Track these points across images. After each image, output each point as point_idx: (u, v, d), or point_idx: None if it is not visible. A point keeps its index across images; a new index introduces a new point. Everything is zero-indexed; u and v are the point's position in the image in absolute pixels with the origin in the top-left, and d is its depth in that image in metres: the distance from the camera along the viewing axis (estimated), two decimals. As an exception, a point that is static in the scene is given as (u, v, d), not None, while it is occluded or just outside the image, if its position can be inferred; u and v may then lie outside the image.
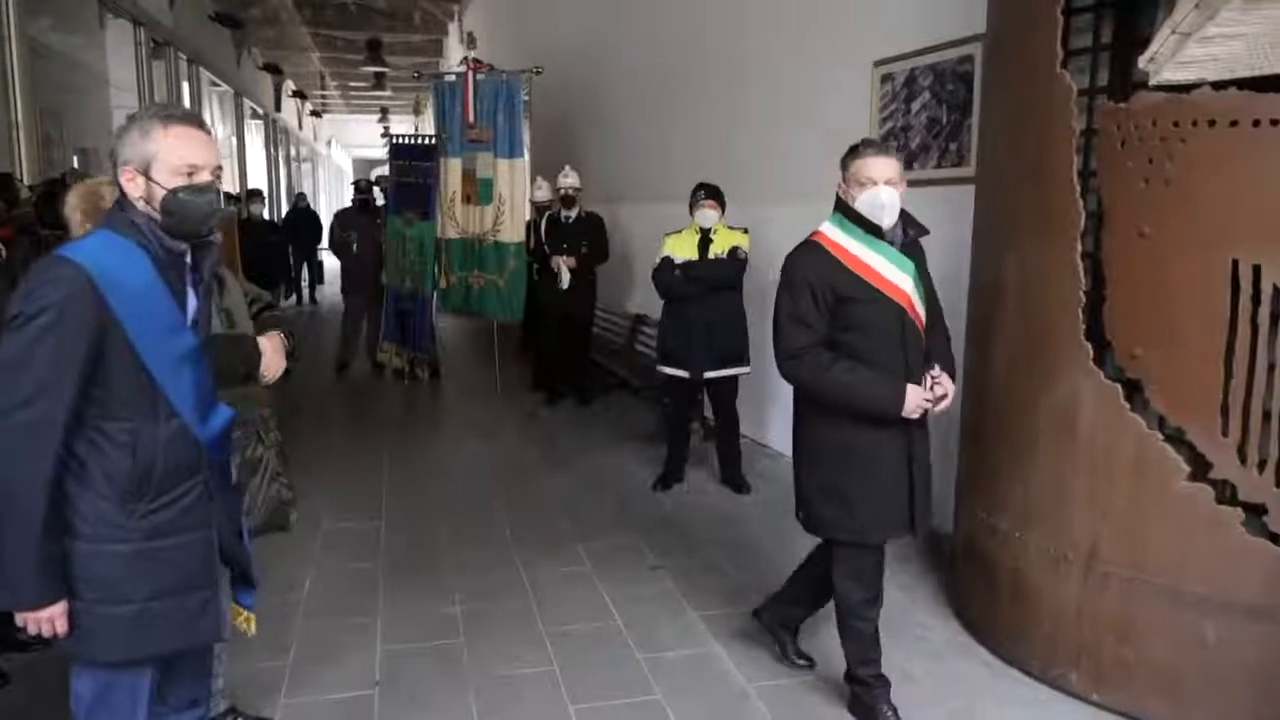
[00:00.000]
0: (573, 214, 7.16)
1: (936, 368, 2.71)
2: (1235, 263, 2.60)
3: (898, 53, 4.53)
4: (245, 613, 2.33)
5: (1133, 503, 2.85)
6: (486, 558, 4.23)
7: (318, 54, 20.84)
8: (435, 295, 8.08)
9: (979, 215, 3.45)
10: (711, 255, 4.96)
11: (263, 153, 19.84)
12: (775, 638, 3.25)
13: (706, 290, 4.96)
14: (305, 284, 15.01)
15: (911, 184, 4.36)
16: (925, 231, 2.76)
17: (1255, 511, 2.70)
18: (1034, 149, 3.02)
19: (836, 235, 2.68)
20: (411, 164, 8.25)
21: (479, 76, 7.58)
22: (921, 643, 3.41)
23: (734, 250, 4.95)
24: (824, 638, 3.26)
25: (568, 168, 7.21)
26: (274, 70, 19.27)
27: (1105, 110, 2.84)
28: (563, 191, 7.11)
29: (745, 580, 3.94)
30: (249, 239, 9.09)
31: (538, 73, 7.69)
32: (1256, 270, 2.58)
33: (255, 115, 18.89)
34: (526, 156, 7.62)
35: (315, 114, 26.76)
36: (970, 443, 3.52)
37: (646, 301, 7.95)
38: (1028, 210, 3.08)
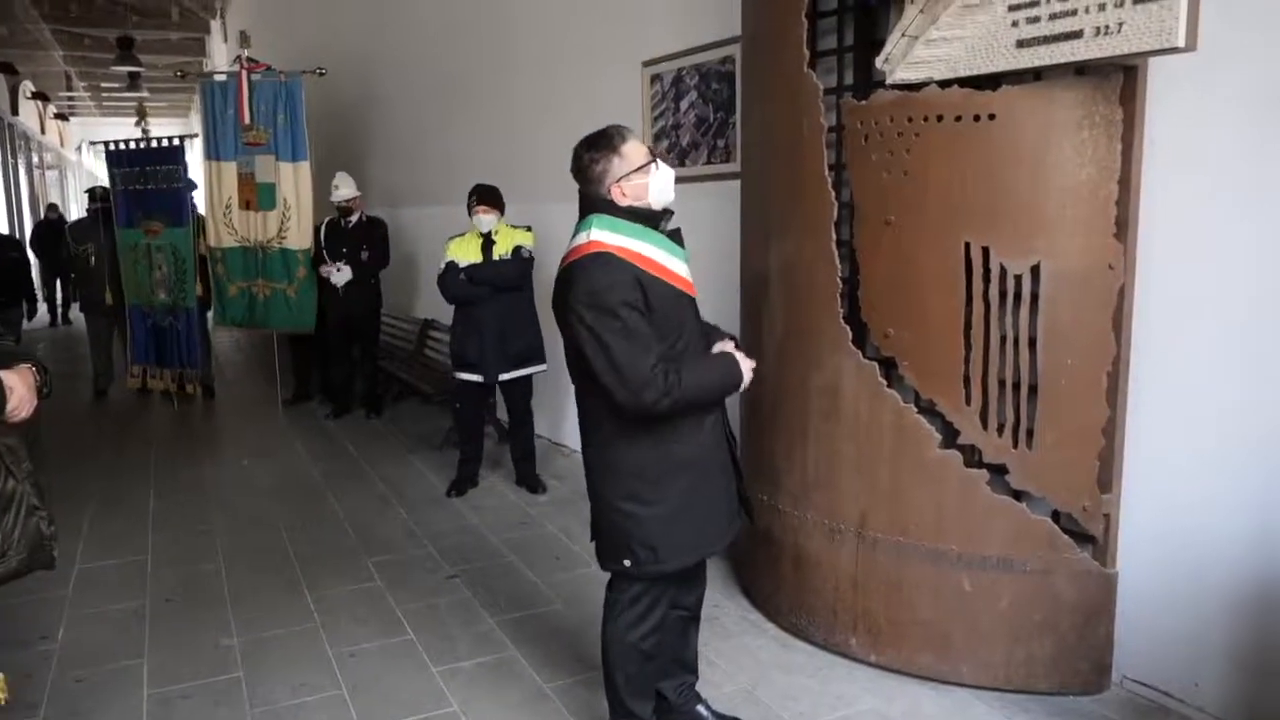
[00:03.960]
0: (352, 219, 6.92)
1: (726, 338, 2.56)
2: (968, 245, 2.84)
3: (664, 53, 4.64)
4: None
5: (894, 472, 3.05)
6: (268, 584, 4.00)
7: (61, 52, 19.05)
8: (214, 308, 7.55)
9: (745, 209, 3.59)
10: (495, 257, 4.92)
11: (-1, 161, 17.94)
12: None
13: (494, 292, 4.91)
14: (59, 303, 13.81)
15: (684, 180, 4.50)
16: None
17: (999, 471, 2.96)
18: (788, 145, 3.17)
19: (616, 240, 2.32)
20: (148, 169, 7.65)
21: (254, 77, 7.18)
22: (714, 623, 3.52)
23: (517, 250, 4.93)
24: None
25: (341, 175, 6.94)
26: (8, 70, 17.44)
27: (848, 107, 3.02)
28: (337, 203, 6.86)
29: (543, 580, 3.93)
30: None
31: (320, 74, 7.36)
32: (986, 251, 2.82)
33: (-12, 120, 17.07)
34: (309, 160, 7.30)
35: (61, 117, 24.44)
36: (749, 429, 3.66)
37: (435, 306, 7.79)
38: (786, 203, 3.24)
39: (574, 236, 2.41)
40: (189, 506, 5.08)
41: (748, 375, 2.45)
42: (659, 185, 2.40)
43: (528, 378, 5.11)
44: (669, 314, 2.34)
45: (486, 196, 4.98)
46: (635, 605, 2.53)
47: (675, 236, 2.43)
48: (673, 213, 2.47)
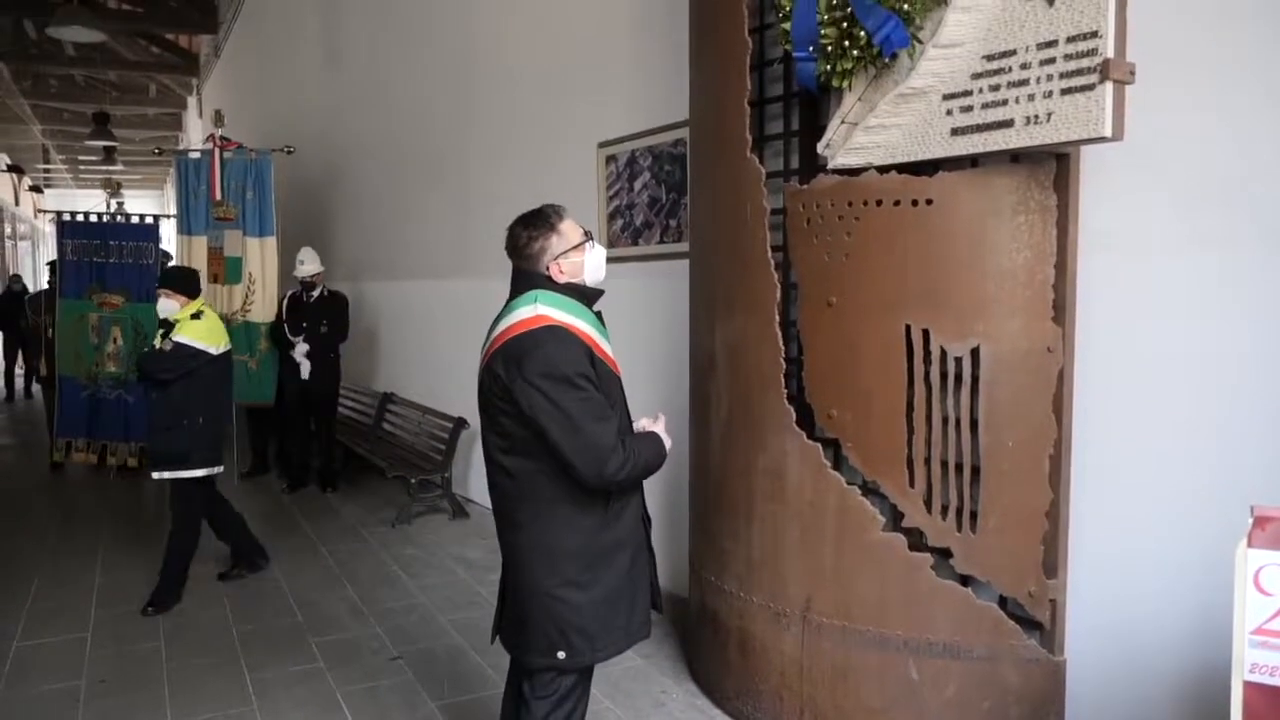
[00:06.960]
0: (315, 294, 6.94)
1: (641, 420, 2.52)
2: (908, 327, 2.86)
3: (619, 135, 4.73)
4: None
5: (838, 555, 3.02)
6: (208, 664, 3.88)
7: (40, 126, 19.20)
8: None
9: (693, 289, 3.61)
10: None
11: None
12: None
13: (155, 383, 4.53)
14: (20, 374, 13.64)
15: (638, 259, 4.60)
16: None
17: (944, 555, 2.93)
18: (733, 227, 3.22)
19: (562, 316, 2.29)
20: (112, 243, 7.69)
21: (226, 154, 7.32)
22: (660, 708, 3.44)
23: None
24: None
25: (306, 250, 6.99)
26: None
27: (790, 191, 3.07)
28: (301, 278, 6.89)
29: (487, 662, 3.82)
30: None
31: (289, 152, 7.51)
32: (926, 334, 2.84)
33: (-39, 190, 17.07)
34: (276, 234, 7.40)
35: (36, 189, 24.47)
36: (696, 508, 3.62)
37: (395, 379, 7.77)
38: (732, 284, 3.27)
39: (511, 311, 2.36)
40: (135, 583, 4.93)
41: (669, 446, 2.44)
42: (594, 264, 2.42)
43: (171, 482, 4.60)
44: (608, 391, 2.32)
45: (166, 280, 4.69)
46: (563, 706, 2.40)
47: (599, 318, 2.43)
48: (603, 292, 2.47)
